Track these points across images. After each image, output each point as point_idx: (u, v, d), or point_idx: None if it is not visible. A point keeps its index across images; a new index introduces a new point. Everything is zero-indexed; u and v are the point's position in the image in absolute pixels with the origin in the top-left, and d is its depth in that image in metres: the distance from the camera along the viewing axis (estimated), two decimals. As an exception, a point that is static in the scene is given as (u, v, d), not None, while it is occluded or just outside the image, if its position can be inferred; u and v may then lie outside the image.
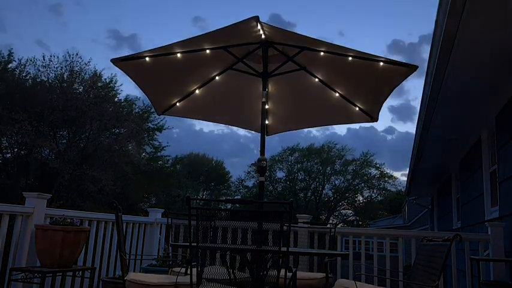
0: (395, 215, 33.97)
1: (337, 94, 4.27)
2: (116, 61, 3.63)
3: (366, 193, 37.07)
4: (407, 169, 10.55)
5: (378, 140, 52.11)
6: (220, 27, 3.25)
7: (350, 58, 3.65)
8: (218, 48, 3.80)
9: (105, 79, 17.95)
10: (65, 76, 16.96)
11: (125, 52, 48.23)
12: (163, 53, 3.73)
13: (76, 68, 17.25)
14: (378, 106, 4.23)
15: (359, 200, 37.29)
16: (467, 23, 3.47)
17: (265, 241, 2.91)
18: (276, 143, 39.32)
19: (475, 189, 6.80)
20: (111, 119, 16.75)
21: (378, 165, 36.09)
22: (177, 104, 4.47)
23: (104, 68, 23.26)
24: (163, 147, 22.46)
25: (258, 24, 3.29)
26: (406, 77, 3.61)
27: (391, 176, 36.21)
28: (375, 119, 4.37)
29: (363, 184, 36.62)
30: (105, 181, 15.71)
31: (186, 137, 51.33)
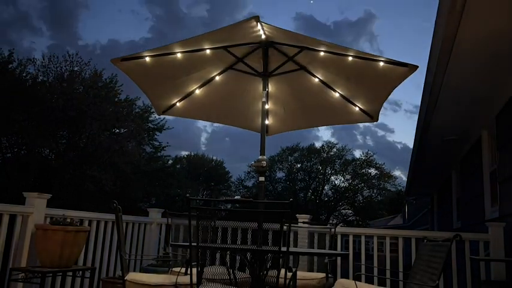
0: (395, 215, 33.96)
1: (337, 94, 4.27)
2: (116, 61, 3.63)
3: (366, 193, 37.07)
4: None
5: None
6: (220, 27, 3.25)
7: (350, 58, 3.65)
8: (218, 48, 3.80)
9: (105, 79, 17.95)
10: (65, 76, 16.96)
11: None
12: (163, 53, 3.73)
13: (76, 68, 17.28)
14: (378, 106, 4.23)
15: (359, 200, 37.28)
16: (467, 22, 3.47)
17: (265, 241, 2.91)
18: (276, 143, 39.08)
19: (475, 189, 6.80)
20: (111, 119, 16.75)
21: (378, 165, 36.10)
22: (177, 104, 4.47)
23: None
24: (163, 147, 22.47)
25: (258, 24, 3.29)
26: (407, 77, 3.60)
27: (391, 175, 36.22)
28: (375, 119, 4.37)
29: (362, 184, 36.61)
30: (105, 181, 15.72)
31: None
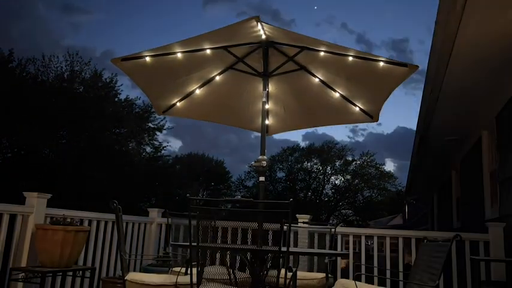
0: (395, 215, 33.95)
1: (337, 94, 4.27)
2: (116, 61, 3.63)
3: (366, 193, 37.05)
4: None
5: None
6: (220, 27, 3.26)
7: (350, 58, 3.65)
8: (218, 48, 3.80)
9: (106, 79, 17.96)
10: (65, 76, 16.97)
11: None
12: (163, 52, 3.73)
13: (76, 68, 17.29)
14: (378, 106, 4.23)
15: (359, 200, 37.26)
16: (467, 22, 3.47)
17: (265, 241, 2.91)
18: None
19: (475, 189, 6.80)
20: (111, 119, 16.76)
21: (378, 165, 36.11)
22: (178, 104, 4.47)
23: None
24: (163, 147, 22.47)
25: (259, 24, 3.29)
26: (407, 77, 3.61)
27: (391, 175, 36.21)
28: (375, 119, 4.36)
29: (363, 184, 36.60)
30: (105, 181, 15.71)
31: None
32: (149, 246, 5.49)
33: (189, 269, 3.30)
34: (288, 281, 2.60)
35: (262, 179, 3.59)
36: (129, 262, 5.15)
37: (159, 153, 22.57)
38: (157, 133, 21.25)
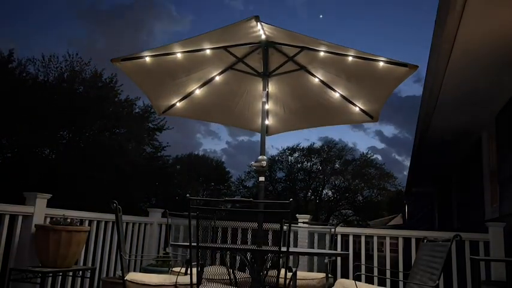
0: (395, 215, 33.93)
1: (337, 94, 4.27)
2: (116, 61, 3.63)
3: (366, 193, 37.04)
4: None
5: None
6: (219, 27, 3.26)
7: (350, 58, 3.65)
8: (218, 48, 3.80)
9: (106, 79, 17.95)
10: (65, 76, 16.98)
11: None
12: (163, 53, 3.73)
13: (76, 68, 17.28)
14: (378, 106, 4.23)
15: (359, 200, 37.25)
16: (467, 22, 3.47)
17: (265, 241, 2.91)
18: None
19: (475, 189, 6.80)
20: (111, 119, 16.76)
21: (378, 165, 36.12)
22: (177, 104, 4.47)
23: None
24: (163, 147, 22.43)
25: (258, 24, 3.29)
26: (407, 77, 3.61)
27: (391, 175, 36.20)
28: (375, 119, 4.37)
29: (363, 184, 36.59)
30: (105, 181, 15.71)
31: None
32: (149, 247, 5.49)
33: (189, 269, 3.30)
34: (288, 281, 2.60)
35: (262, 179, 3.59)
36: (129, 262, 5.15)
37: (159, 153, 22.55)
38: (157, 133, 21.24)
